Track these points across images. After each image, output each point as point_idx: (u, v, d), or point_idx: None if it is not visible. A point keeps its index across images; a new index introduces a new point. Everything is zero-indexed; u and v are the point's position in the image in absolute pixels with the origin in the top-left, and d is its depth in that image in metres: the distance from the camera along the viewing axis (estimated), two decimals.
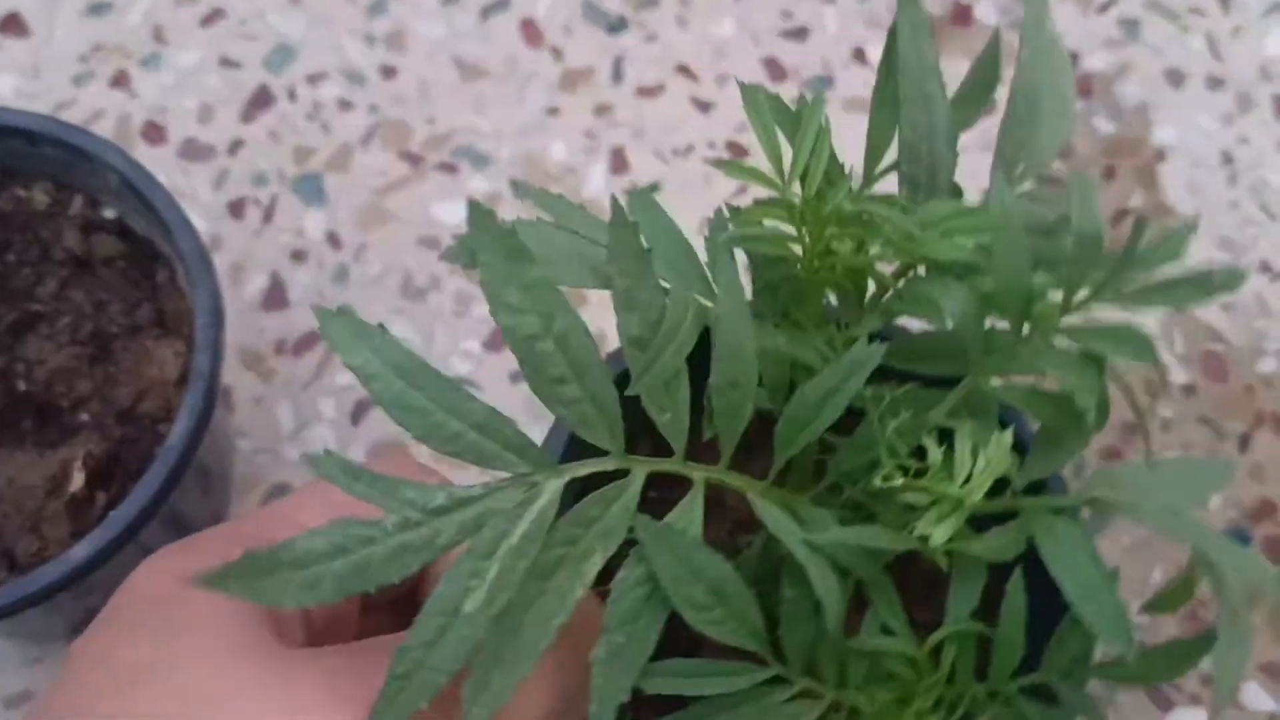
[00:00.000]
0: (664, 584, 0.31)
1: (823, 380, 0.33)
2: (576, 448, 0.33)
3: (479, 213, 0.29)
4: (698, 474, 0.32)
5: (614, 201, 0.29)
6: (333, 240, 0.61)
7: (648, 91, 0.64)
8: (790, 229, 0.33)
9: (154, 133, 0.63)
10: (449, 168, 0.62)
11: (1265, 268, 0.61)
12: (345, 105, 0.63)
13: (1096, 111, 0.65)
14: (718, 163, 0.35)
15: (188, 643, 0.31)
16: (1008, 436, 0.31)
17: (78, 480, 0.46)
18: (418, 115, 0.63)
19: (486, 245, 0.29)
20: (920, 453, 0.32)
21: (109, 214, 0.50)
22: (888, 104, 0.35)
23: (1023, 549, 0.33)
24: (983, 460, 0.31)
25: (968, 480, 0.31)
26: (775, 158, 0.34)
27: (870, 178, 0.36)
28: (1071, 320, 0.31)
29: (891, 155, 0.36)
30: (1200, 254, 0.62)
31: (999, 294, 0.31)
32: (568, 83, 0.64)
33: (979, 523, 0.34)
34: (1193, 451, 0.58)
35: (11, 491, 0.46)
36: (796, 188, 0.35)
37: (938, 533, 0.30)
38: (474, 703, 0.28)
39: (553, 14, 0.66)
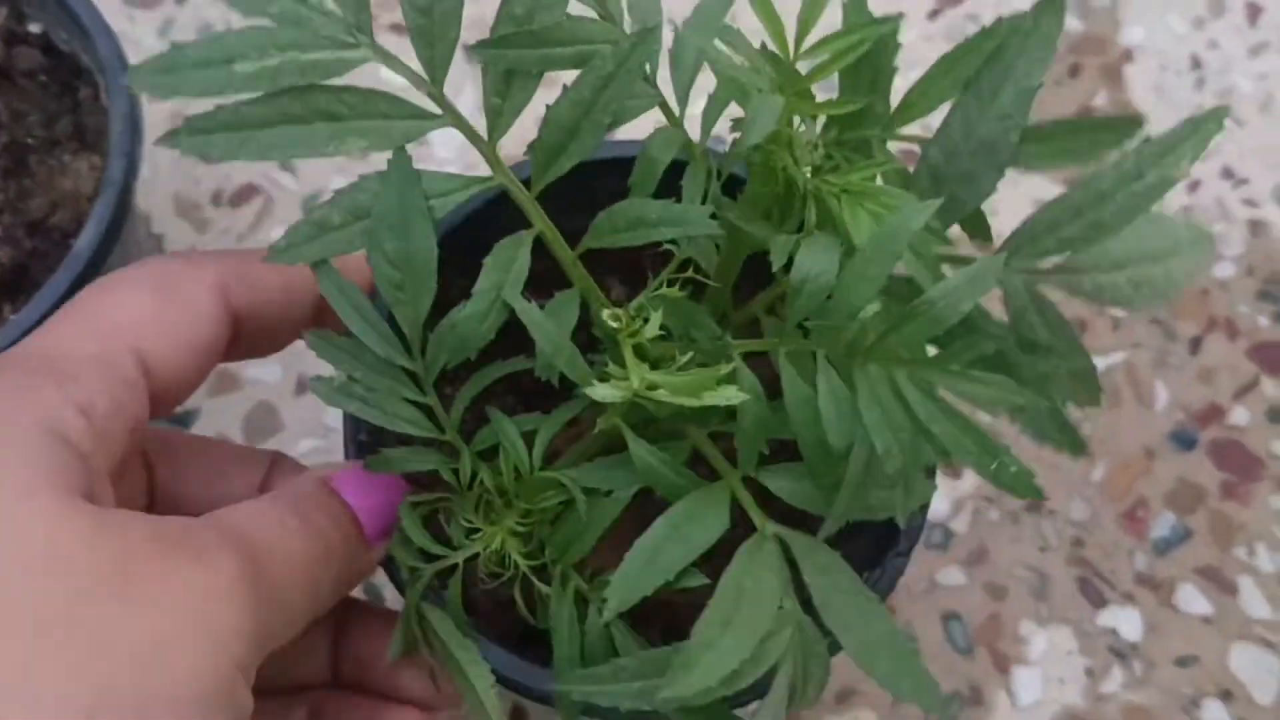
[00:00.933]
0: (372, 214, 0.32)
1: (642, 208, 0.33)
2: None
3: None
4: (500, 175, 0.33)
5: None
6: None
7: None
8: None
9: None
10: (398, 28, 0.61)
11: (1228, 174, 0.60)
12: None
13: (1065, 8, 0.63)
14: None
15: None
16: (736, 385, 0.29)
17: None
18: None
19: None
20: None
21: (34, 28, 0.49)
22: None
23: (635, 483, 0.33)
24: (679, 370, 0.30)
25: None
26: None
27: (795, 54, 0.32)
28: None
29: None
30: None
31: (837, 297, 0.29)
32: None
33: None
34: (1141, 351, 0.57)
35: None
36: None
37: (594, 390, 0.29)
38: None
39: None
